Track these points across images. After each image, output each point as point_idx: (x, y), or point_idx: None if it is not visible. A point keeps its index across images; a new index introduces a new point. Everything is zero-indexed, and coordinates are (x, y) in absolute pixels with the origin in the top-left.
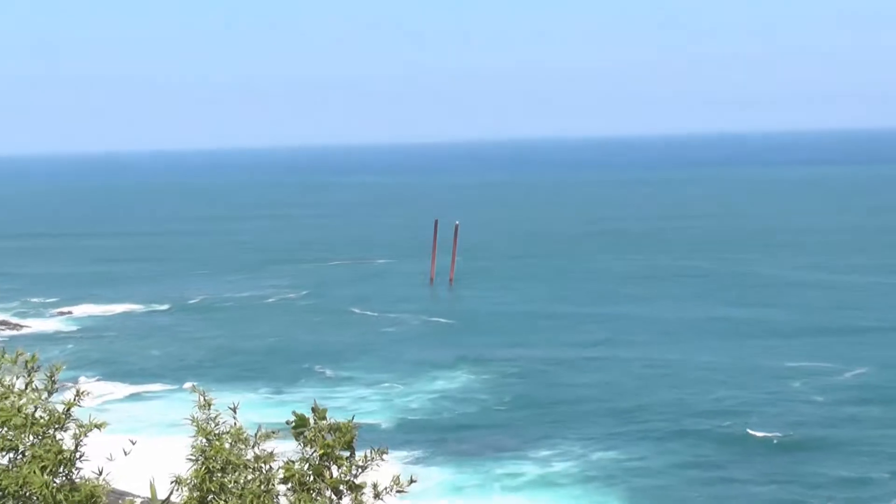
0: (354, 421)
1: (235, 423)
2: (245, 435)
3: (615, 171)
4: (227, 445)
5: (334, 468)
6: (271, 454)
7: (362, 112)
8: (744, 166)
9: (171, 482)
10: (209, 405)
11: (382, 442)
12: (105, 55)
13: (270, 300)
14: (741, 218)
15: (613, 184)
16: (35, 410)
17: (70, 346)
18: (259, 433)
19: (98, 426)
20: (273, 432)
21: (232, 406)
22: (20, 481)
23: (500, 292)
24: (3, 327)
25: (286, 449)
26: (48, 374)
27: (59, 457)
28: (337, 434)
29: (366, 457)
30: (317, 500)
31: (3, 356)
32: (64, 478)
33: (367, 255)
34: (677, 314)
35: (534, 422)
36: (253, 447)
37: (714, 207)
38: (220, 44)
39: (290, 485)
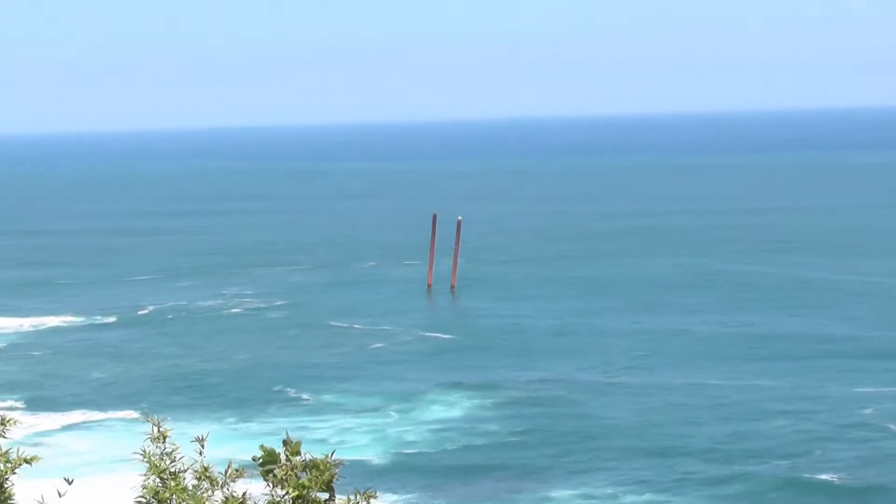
0: (335, 457)
1: (202, 459)
2: (212, 473)
3: (648, 154)
4: (188, 485)
5: None
6: (244, 497)
7: (341, 88)
8: (813, 150)
9: None
10: (164, 437)
11: (370, 482)
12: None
13: (236, 311)
14: (805, 213)
15: (645, 170)
16: None
17: None
18: (229, 471)
19: (28, 461)
20: (244, 470)
21: (199, 438)
22: None
23: (511, 302)
24: None
25: (259, 491)
26: None
27: None
28: (314, 472)
29: (349, 500)
30: None
31: None
32: None
33: (352, 257)
34: (725, 329)
35: (553, 460)
36: (222, 487)
37: (772, 199)
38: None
39: None
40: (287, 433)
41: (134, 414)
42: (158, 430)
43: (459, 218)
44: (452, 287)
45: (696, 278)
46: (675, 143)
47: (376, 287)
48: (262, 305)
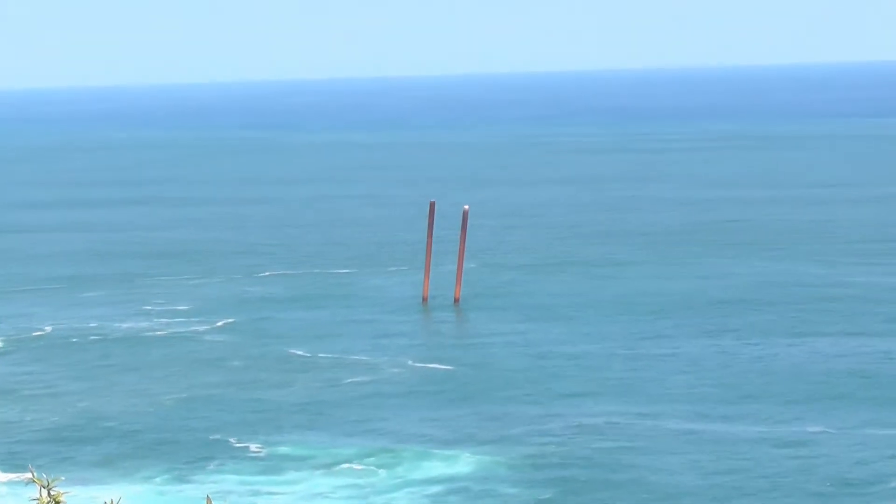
0: None
1: None
2: None
3: (713, 121)
4: None
5: None
6: None
7: (304, 36)
8: None
9: None
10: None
11: None
12: None
13: (163, 333)
14: None
15: (713, 143)
16: None
17: None
18: None
19: None
20: None
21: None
22: None
23: (532, 322)
24: None
25: None
26: None
27: None
28: None
29: None
30: None
31: None
32: None
33: (320, 262)
34: (820, 358)
35: None
36: None
37: (882, 182)
38: None
39: None
40: (209, 498)
41: (24, 475)
42: (49, 495)
43: (466, 207)
44: (456, 300)
45: (776, 288)
46: (755, 106)
47: (353, 302)
48: (199, 327)
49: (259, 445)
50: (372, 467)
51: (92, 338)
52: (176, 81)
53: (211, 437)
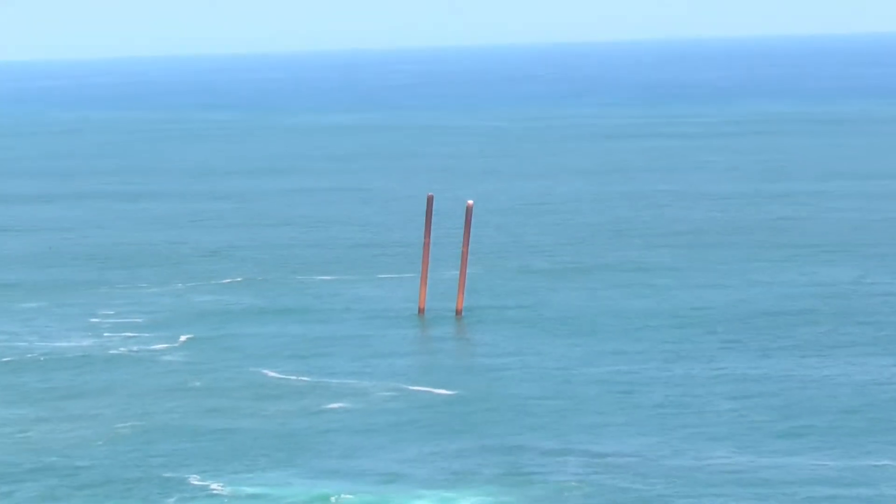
0: None
1: None
2: None
3: (759, 99)
4: None
5: None
6: None
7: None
8: None
9: None
10: None
11: None
12: None
13: (115, 351)
14: None
15: (755, 125)
16: None
17: None
18: None
19: None
20: None
21: None
22: None
23: (548, 338)
24: None
25: None
26: None
27: None
28: None
29: None
30: None
31: None
32: None
33: (298, 267)
34: (885, 383)
35: None
36: None
37: None
38: None
39: None
40: None
41: None
42: None
43: (469, 202)
44: (458, 312)
45: (837, 299)
46: (805, 82)
47: (336, 314)
48: (155, 344)
49: (223, 484)
50: None
51: (30, 357)
52: (127, 55)
53: (168, 475)
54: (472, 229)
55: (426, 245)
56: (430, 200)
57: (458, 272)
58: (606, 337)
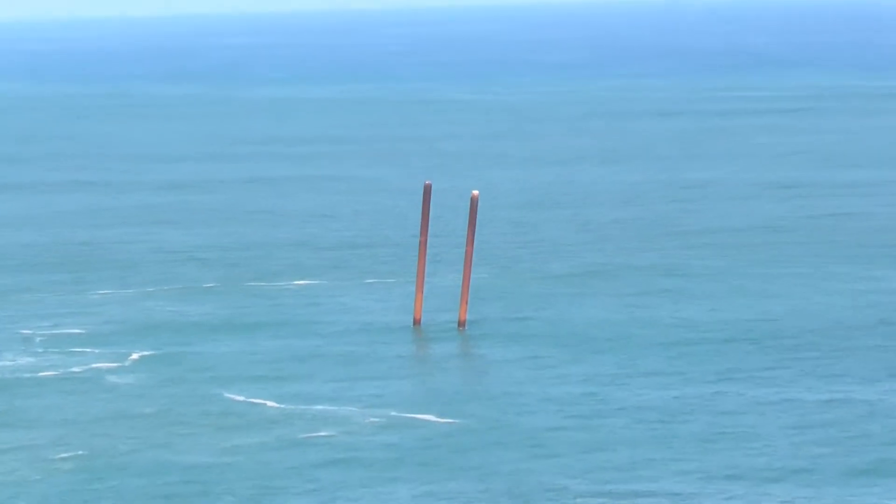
0: None
1: None
2: None
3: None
4: None
5: None
6: None
7: None
8: None
9: None
10: None
11: None
12: None
13: (53, 372)
14: None
15: (806, 101)
16: None
17: None
18: None
19: None
20: None
21: None
22: None
23: (564, 354)
24: None
25: None
26: None
27: None
28: None
29: None
30: None
31: None
32: None
33: (274, 270)
34: None
35: None
36: None
37: None
38: None
39: None
40: None
41: None
42: None
43: (475, 193)
44: (461, 324)
45: None
46: (872, 50)
47: (316, 327)
48: (100, 362)
49: None
50: None
51: None
52: (67, 15)
53: None
54: (477, 225)
55: (422, 244)
56: (427, 190)
57: (460, 276)
58: (638, 355)
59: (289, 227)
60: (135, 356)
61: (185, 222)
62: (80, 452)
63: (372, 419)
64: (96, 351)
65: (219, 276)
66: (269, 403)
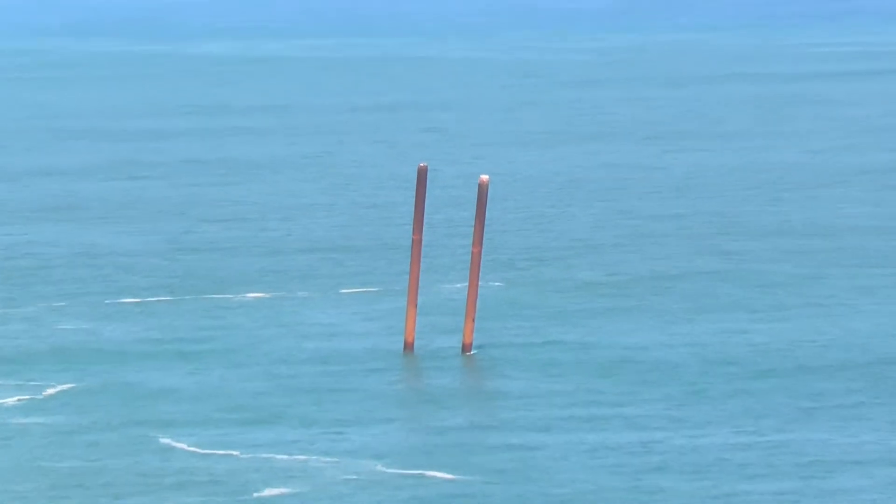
0: None
1: None
2: None
3: None
4: None
5: None
6: None
7: None
8: None
9: None
10: None
11: None
12: None
13: None
14: None
15: None
16: None
17: None
18: None
19: None
20: None
21: None
22: None
23: (597, 390)
24: None
25: None
26: None
27: None
28: None
29: None
30: None
31: None
32: None
33: (230, 279)
34: None
35: None
36: None
37: None
38: None
39: None
40: None
41: None
42: None
43: (484, 178)
44: (466, 348)
45: None
46: None
47: (277, 352)
48: (8, 397)
49: None
50: None
51: None
52: None
53: None
54: (487, 220)
55: (416, 244)
56: (422, 175)
57: (465, 286)
58: (696, 389)
59: (245, 223)
60: (49, 391)
61: (112, 217)
62: None
63: (350, 475)
64: (2, 383)
65: (156, 286)
66: (221, 453)
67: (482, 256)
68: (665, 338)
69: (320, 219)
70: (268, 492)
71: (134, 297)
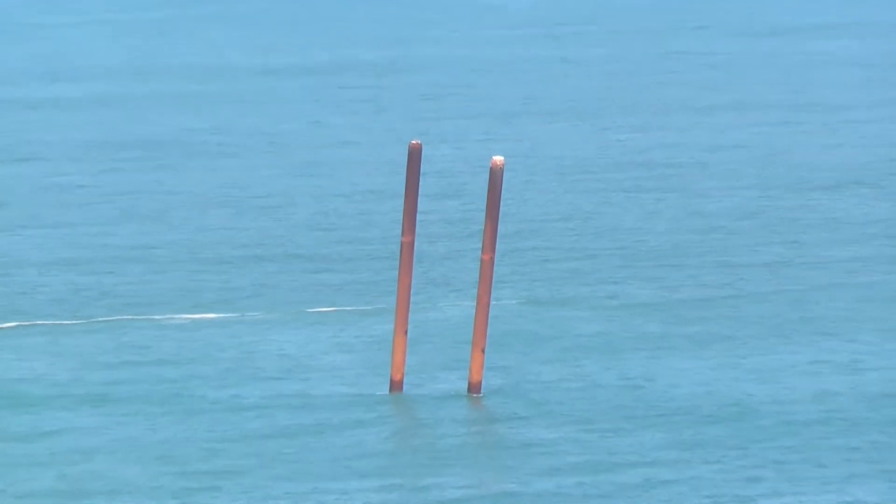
0: None
1: None
2: None
3: None
4: None
5: None
6: None
7: None
8: None
9: None
10: None
11: None
12: None
13: None
14: None
15: None
16: None
17: None
18: None
19: None
20: None
21: None
22: None
23: (659, 446)
24: None
25: None
26: None
27: None
28: None
29: None
30: None
31: None
32: None
33: (161, 295)
34: None
35: None
36: None
37: None
38: None
39: None
40: None
41: None
42: None
43: (498, 159)
44: (473, 388)
45: None
46: None
47: (227, 393)
48: None
49: None
50: None
51: None
52: None
53: None
54: (501, 217)
55: (406, 248)
56: (414, 155)
57: (471, 306)
58: (789, 455)
59: (184, 221)
60: None
61: (8, 216)
62: None
63: None
64: None
65: (58, 305)
66: None
67: (495, 265)
68: (729, 375)
69: (283, 216)
70: None
71: (28, 320)
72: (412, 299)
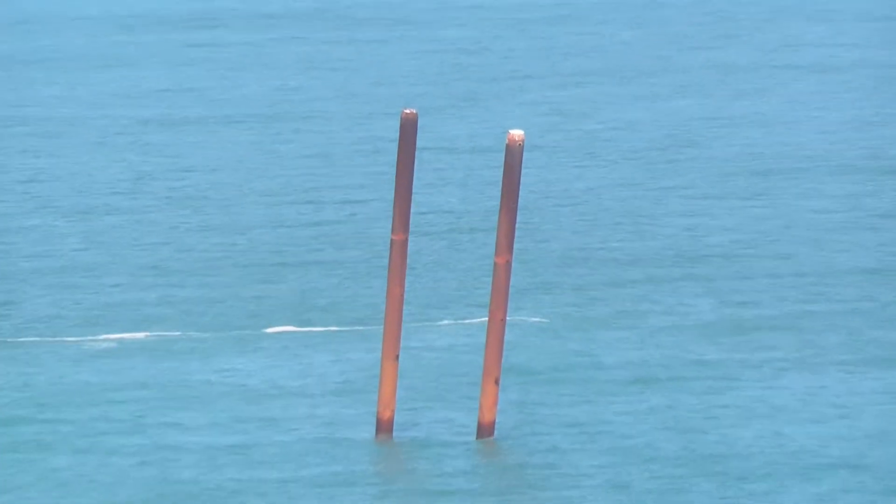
0: None
1: None
2: None
3: None
4: None
5: None
6: None
7: None
8: None
9: None
10: None
11: None
12: None
13: None
14: None
15: None
16: None
17: None
18: None
19: None
20: None
21: None
22: None
23: (709, 489)
24: None
25: None
26: None
27: None
28: None
29: None
30: None
31: None
32: None
33: (71, 310)
34: None
35: None
36: None
37: None
38: None
39: None
40: None
41: None
42: None
43: (516, 135)
44: (484, 430)
45: None
46: None
47: (161, 435)
48: None
49: None
50: None
51: None
52: None
53: None
54: (520, 210)
55: (397, 248)
56: (407, 127)
57: (481, 323)
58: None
59: (102, 217)
60: None
61: None
62: None
63: None
64: None
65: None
66: None
67: (512, 272)
68: (820, 417)
69: (233, 209)
70: None
71: None
72: (404, 317)
